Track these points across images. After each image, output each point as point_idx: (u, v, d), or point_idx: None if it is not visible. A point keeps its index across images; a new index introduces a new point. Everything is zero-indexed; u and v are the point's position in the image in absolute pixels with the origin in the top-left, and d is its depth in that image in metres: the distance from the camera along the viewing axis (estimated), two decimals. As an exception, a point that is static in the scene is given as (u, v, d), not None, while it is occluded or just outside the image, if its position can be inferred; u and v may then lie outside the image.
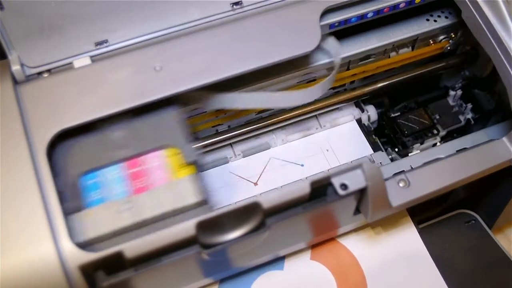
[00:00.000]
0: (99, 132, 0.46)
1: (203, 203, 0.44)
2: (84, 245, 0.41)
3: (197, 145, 0.55)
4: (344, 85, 0.63)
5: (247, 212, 0.42)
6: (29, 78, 0.48)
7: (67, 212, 0.42)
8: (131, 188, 0.44)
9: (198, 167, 0.45)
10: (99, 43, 0.50)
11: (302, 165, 0.57)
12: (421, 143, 0.62)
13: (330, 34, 0.54)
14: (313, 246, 0.53)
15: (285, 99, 0.53)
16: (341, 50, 0.55)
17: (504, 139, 0.50)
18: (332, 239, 0.54)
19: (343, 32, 0.56)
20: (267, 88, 0.57)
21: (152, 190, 0.44)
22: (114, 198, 0.44)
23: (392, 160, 0.60)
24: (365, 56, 0.59)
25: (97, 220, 0.42)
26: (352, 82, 0.63)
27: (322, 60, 0.56)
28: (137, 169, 0.45)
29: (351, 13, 0.54)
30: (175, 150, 0.46)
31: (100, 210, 0.43)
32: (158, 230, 0.40)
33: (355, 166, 0.44)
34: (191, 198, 0.44)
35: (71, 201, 0.43)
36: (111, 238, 0.42)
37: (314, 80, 0.58)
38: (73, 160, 0.45)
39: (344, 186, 0.44)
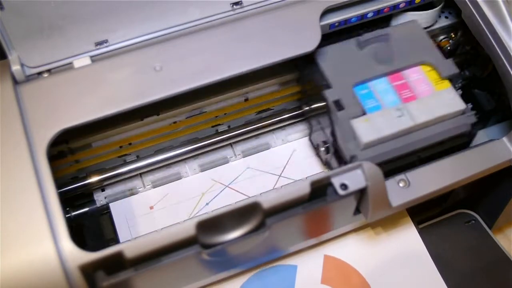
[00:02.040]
0: (358, 49, 0.53)
1: (466, 111, 0.50)
2: (366, 147, 0.48)
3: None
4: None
5: (247, 212, 0.42)
6: (29, 78, 0.48)
7: (350, 117, 0.48)
8: (401, 97, 0.50)
9: (453, 82, 0.51)
10: (99, 43, 0.50)
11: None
12: (421, 143, 0.62)
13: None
14: (324, 269, 0.53)
15: None
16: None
17: (504, 139, 0.50)
18: (343, 262, 0.54)
19: (343, 32, 0.56)
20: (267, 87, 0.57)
21: (421, 99, 0.50)
22: (389, 106, 0.49)
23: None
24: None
25: (378, 125, 0.48)
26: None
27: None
28: (401, 82, 0.51)
29: (351, 13, 0.54)
30: (430, 66, 0.52)
31: (379, 116, 0.49)
32: (430, 135, 0.49)
33: (355, 166, 0.44)
34: (457, 105, 0.49)
35: (352, 107, 0.49)
36: (390, 140, 0.48)
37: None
38: (343, 73, 0.51)
39: (344, 186, 0.44)
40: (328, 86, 0.50)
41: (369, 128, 0.48)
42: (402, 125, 0.48)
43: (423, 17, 0.56)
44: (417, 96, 0.50)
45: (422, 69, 0.52)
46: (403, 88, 0.51)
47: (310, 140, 0.58)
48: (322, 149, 0.54)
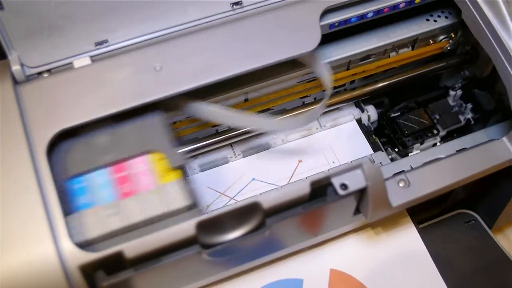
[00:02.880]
0: (85, 136, 0.46)
1: (193, 206, 0.44)
2: (82, 246, 0.41)
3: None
4: (344, 85, 0.63)
5: (247, 212, 0.42)
6: (29, 78, 0.48)
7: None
8: (118, 192, 0.44)
9: (185, 172, 0.46)
10: (99, 43, 0.50)
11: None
12: (421, 143, 0.62)
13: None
14: (331, 283, 0.53)
15: (265, 123, 0.53)
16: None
17: (504, 139, 0.50)
18: (351, 277, 0.54)
19: (343, 32, 0.56)
20: (266, 88, 0.57)
21: (140, 194, 0.44)
22: (102, 203, 0.43)
23: (392, 160, 0.60)
24: (365, 56, 0.59)
25: (86, 224, 0.42)
26: (352, 82, 0.63)
27: (322, 60, 0.56)
28: (123, 174, 0.45)
29: (351, 13, 0.54)
30: (160, 154, 0.46)
31: (89, 215, 0.43)
32: (146, 235, 0.40)
33: (355, 166, 0.44)
34: (179, 202, 0.44)
35: (64, 204, 0.42)
36: (101, 241, 0.42)
37: (315, 79, 0.58)
38: (61, 164, 0.44)
39: (344, 186, 0.44)
40: None
41: (76, 229, 0.42)
42: (113, 225, 0.42)
43: None
44: (138, 190, 0.44)
45: (149, 158, 0.45)
46: (124, 181, 0.44)
47: None
48: None
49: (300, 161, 0.59)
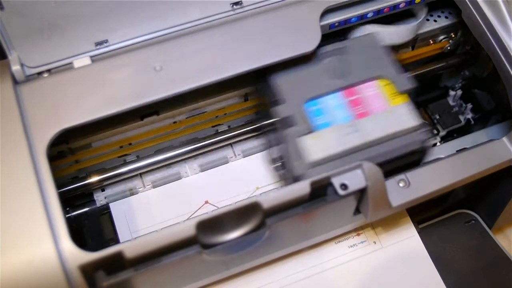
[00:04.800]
0: (316, 62, 0.51)
1: (422, 126, 0.48)
2: (313, 165, 0.46)
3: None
4: (344, 85, 0.63)
5: (247, 212, 0.42)
6: (29, 78, 0.48)
7: (298, 135, 0.47)
8: (353, 113, 0.48)
9: (410, 95, 0.49)
10: (99, 43, 0.49)
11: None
12: (421, 143, 0.62)
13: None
14: None
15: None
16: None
17: (504, 139, 0.50)
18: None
19: (343, 32, 0.56)
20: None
21: (374, 115, 0.48)
22: (339, 122, 0.48)
23: (392, 160, 0.60)
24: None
25: (327, 142, 0.46)
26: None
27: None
28: (355, 97, 0.49)
29: (351, 13, 0.54)
30: (387, 80, 0.50)
31: (328, 133, 0.47)
32: (382, 152, 0.46)
33: (355, 166, 0.44)
34: (410, 122, 0.48)
35: (301, 124, 0.47)
36: (339, 158, 0.46)
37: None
38: (296, 89, 0.49)
39: (344, 186, 0.44)
40: (279, 102, 0.49)
41: (316, 146, 0.46)
42: (351, 142, 0.47)
43: (391, 32, 0.55)
44: (370, 111, 0.48)
45: (378, 83, 0.50)
46: (356, 104, 0.49)
47: (269, 153, 0.56)
48: (278, 164, 0.52)
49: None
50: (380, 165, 0.45)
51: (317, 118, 0.48)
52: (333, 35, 0.54)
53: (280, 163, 0.51)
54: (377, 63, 0.51)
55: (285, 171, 0.50)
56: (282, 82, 0.50)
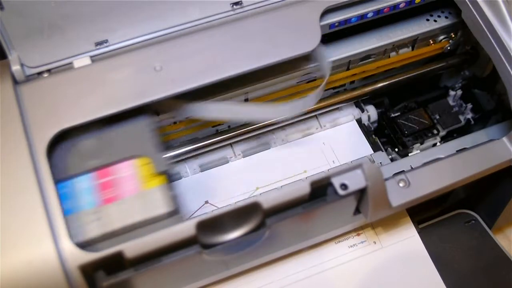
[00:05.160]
0: (74, 140, 0.46)
1: (174, 213, 0.44)
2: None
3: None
4: (344, 85, 0.63)
5: (247, 212, 0.42)
6: (29, 78, 0.48)
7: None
8: (100, 198, 0.43)
9: (169, 177, 0.45)
10: (99, 43, 0.50)
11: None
12: (421, 143, 0.62)
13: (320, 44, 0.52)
14: None
15: (264, 111, 0.53)
16: (329, 64, 0.54)
17: (504, 139, 0.50)
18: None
19: (343, 32, 0.56)
20: (266, 88, 0.57)
21: (121, 200, 0.43)
22: (83, 208, 0.43)
23: (392, 160, 0.60)
24: (365, 56, 0.59)
25: (71, 230, 0.41)
26: (352, 82, 0.63)
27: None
28: (107, 179, 0.44)
29: (351, 13, 0.54)
30: (146, 159, 0.45)
31: (74, 220, 0.42)
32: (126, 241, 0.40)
33: (355, 166, 0.44)
34: (161, 208, 0.43)
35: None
36: (86, 246, 0.42)
37: (314, 80, 0.58)
38: (53, 167, 0.44)
39: (344, 186, 0.44)
40: None
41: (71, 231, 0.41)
42: (94, 231, 0.42)
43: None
44: (119, 196, 0.43)
45: (136, 163, 0.45)
46: (107, 187, 0.44)
47: None
48: None
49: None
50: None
51: (65, 203, 0.42)
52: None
53: None
54: (139, 140, 0.46)
55: None
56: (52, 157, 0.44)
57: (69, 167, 0.44)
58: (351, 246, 0.55)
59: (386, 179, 0.47)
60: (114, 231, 0.42)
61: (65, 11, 0.48)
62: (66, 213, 0.42)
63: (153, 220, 0.43)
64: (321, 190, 0.44)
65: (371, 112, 0.63)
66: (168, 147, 0.57)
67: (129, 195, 0.44)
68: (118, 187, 0.44)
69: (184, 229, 0.41)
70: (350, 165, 0.44)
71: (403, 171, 0.50)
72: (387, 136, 0.63)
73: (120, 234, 0.42)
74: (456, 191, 0.57)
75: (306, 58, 0.55)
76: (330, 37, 0.56)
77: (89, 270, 0.40)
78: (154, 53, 0.48)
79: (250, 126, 0.58)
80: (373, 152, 0.60)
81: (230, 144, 0.59)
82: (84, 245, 0.41)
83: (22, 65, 0.47)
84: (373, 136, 0.62)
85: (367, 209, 0.46)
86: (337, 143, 0.61)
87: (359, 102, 0.63)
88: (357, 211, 0.48)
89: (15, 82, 0.47)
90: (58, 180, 0.43)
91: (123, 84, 0.46)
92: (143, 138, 0.46)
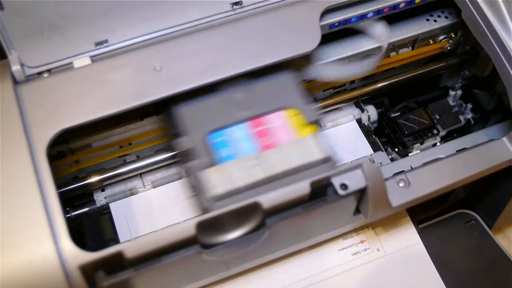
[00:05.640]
0: (221, 93, 0.49)
1: (328, 159, 0.46)
2: (218, 199, 0.44)
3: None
4: (344, 85, 0.63)
5: (247, 212, 0.42)
6: (29, 78, 0.48)
7: (200, 168, 0.44)
8: (259, 145, 0.47)
9: (319, 126, 0.48)
10: (99, 43, 0.50)
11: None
12: (421, 143, 0.62)
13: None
14: None
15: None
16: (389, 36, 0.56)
17: (504, 139, 0.50)
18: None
19: (343, 32, 0.56)
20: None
21: (280, 147, 0.46)
22: (244, 154, 0.46)
23: (392, 160, 0.60)
24: (365, 56, 0.59)
25: (231, 175, 0.44)
26: (352, 82, 0.63)
27: (322, 60, 0.56)
28: (261, 128, 0.47)
29: (351, 13, 0.54)
30: (295, 110, 0.48)
31: (232, 166, 0.45)
32: (286, 185, 0.43)
33: (355, 166, 0.44)
34: (317, 154, 0.46)
35: (203, 157, 0.45)
36: (245, 191, 0.44)
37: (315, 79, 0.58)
38: (200, 120, 0.47)
39: (344, 186, 0.44)
40: (181, 134, 0.47)
41: (220, 179, 0.44)
42: (256, 175, 0.44)
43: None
44: (277, 143, 0.46)
45: (285, 114, 0.48)
46: (262, 135, 0.47)
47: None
48: (193, 194, 0.48)
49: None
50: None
51: (221, 151, 0.46)
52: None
53: (194, 193, 0.48)
54: (285, 93, 0.49)
55: (198, 201, 0.47)
56: (185, 113, 0.47)
57: (220, 118, 0.47)
58: (350, 246, 0.55)
59: (386, 179, 0.47)
60: (277, 175, 0.45)
61: (65, 11, 0.48)
62: (226, 158, 0.45)
63: (310, 166, 0.46)
64: (321, 190, 0.44)
65: (371, 112, 0.63)
66: (168, 147, 0.57)
67: (286, 143, 0.47)
68: (274, 136, 0.47)
69: (184, 229, 0.41)
70: (350, 165, 0.44)
71: (403, 171, 0.50)
72: (387, 136, 0.63)
73: (281, 177, 0.45)
74: (456, 191, 0.57)
75: (306, 58, 0.55)
76: (330, 37, 0.56)
77: (89, 270, 0.40)
78: (154, 53, 0.48)
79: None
80: (373, 152, 0.60)
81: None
82: (244, 190, 0.44)
83: (22, 65, 0.47)
84: (373, 136, 0.62)
85: (367, 209, 0.46)
86: (337, 143, 0.61)
87: (359, 102, 0.64)
88: (357, 211, 0.48)
89: (15, 82, 0.47)
90: (211, 131, 0.47)
91: (123, 84, 0.46)
92: (289, 91, 0.49)
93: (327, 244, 0.55)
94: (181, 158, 0.47)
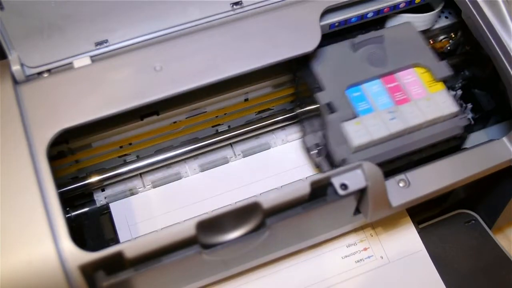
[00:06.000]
0: (353, 51, 0.53)
1: (459, 113, 0.50)
2: (356, 150, 0.48)
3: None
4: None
5: (247, 212, 0.42)
6: (29, 78, 0.48)
7: (342, 120, 0.48)
8: (394, 100, 0.50)
9: (448, 83, 0.52)
10: (99, 43, 0.50)
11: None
12: (421, 143, 0.62)
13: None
14: None
15: None
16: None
17: (504, 139, 0.50)
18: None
19: (343, 32, 0.56)
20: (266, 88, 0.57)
21: (413, 101, 0.50)
22: (381, 108, 0.49)
23: (392, 160, 0.60)
24: (365, 56, 0.59)
25: (370, 127, 0.48)
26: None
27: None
28: (394, 84, 0.51)
29: (351, 13, 0.54)
30: (424, 68, 0.52)
31: (371, 119, 0.49)
32: (423, 138, 0.49)
33: (355, 166, 0.44)
34: (449, 108, 0.49)
35: (344, 110, 0.49)
36: (381, 143, 0.48)
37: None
38: (337, 75, 0.51)
39: (344, 186, 0.44)
40: (320, 89, 0.50)
41: (360, 131, 0.48)
42: (394, 127, 0.48)
43: (420, 20, 0.56)
44: (410, 98, 0.50)
45: (415, 71, 0.52)
46: (396, 91, 0.51)
47: (304, 142, 0.58)
48: (314, 151, 0.54)
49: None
50: (420, 151, 0.49)
51: (359, 104, 0.50)
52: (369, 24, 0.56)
53: (316, 151, 0.53)
54: (414, 51, 0.52)
55: (322, 157, 0.51)
56: (323, 69, 0.51)
57: (356, 74, 0.51)
58: (348, 246, 0.55)
59: (386, 179, 0.47)
60: (413, 127, 0.49)
61: (65, 11, 0.48)
62: (364, 112, 0.49)
63: (443, 119, 0.49)
64: (321, 190, 0.44)
65: (371, 112, 0.63)
66: (168, 147, 0.57)
67: (418, 97, 0.50)
68: (407, 91, 0.50)
69: (184, 229, 0.41)
70: (350, 165, 0.44)
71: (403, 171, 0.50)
72: (387, 136, 0.63)
73: (417, 130, 0.49)
74: (456, 191, 0.57)
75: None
76: (330, 37, 0.56)
77: (89, 270, 0.40)
78: (154, 53, 0.48)
79: (250, 126, 0.58)
80: (373, 152, 0.60)
81: (230, 144, 0.59)
82: (382, 141, 0.48)
83: (22, 65, 0.47)
84: (373, 136, 0.62)
85: (367, 209, 0.46)
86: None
87: (359, 102, 0.63)
88: (357, 211, 0.48)
89: (15, 82, 0.47)
90: (349, 85, 0.50)
91: (123, 84, 0.46)
92: (419, 49, 0.53)
93: (330, 252, 0.55)
94: (319, 112, 0.50)
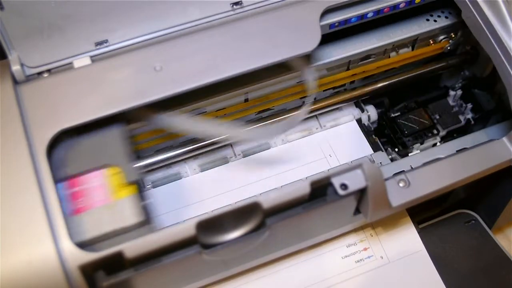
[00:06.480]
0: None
1: (145, 223, 0.43)
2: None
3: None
4: (344, 85, 0.63)
5: (247, 212, 0.42)
6: (29, 78, 0.48)
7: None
8: (73, 207, 0.43)
9: (140, 187, 0.45)
10: (99, 43, 0.50)
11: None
12: (421, 143, 0.62)
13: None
14: None
15: (234, 132, 0.52)
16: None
17: (504, 139, 0.50)
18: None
19: (343, 32, 0.56)
20: (266, 88, 0.57)
21: (92, 210, 0.43)
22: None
23: (392, 160, 0.60)
24: (365, 56, 0.59)
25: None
26: (352, 82, 0.63)
27: (322, 60, 0.56)
28: (77, 189, 0.44)
29: (351, 13, 0.54)
30: (116, 169, 0.45)
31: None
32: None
33: (355, 166, 0.44)
34: (130, 219, 0.43)
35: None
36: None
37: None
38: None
39: (344, 186, 0.44)
40: None
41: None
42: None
43: None
44: (90, 206, 0.43)
45: (105, 173, 0.45)
46: (78, 196, 0.43)
47: None
48: None
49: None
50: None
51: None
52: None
53: None
54: (108, 149, 0.46)
55: None
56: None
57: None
58: (348, 246, 0.55)
59: (386, 179, 0.47)
60: (85, 241, 0.42)
61: (65, 11, 0.48)
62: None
63: (124, 231, 0.43)
64: (321, 190, 0.44)
65: (371, 112, 0.63)
66: (168, 147, 0.57)
67: (99, 205, 0.43)
68: (89, 197, 0.44)
69: (184, 229, 0.41)
70: (350, 165, 0.44)
71: (403, 171, 0.50)
72: (387, 136, 0.63)
73: (92, 244, 0.42)
74: (456, 191, 0.57)
75: (306, 58, 0.55)
76: (330, 37, 0.56)
77: (89, 270, 0.40)
78: (154, 53, 0.48)
79: (250, 127, 0.58)
80: (373, 152, 0.60)
81: (230, 144, 0.59)
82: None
83: (22, 65, 0.47)
84: (373, 136, 0.62)
85: (367, 209, 0.46)
86: (337, 143, 0.61)
87: (359, 102, 0.64)
88: (357, 211, 0.48)
89: (15, 82, 0.47)
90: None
91: (123, 84, 0.46)
92: (114, 147, 0.46)
93: (330, 252, 0.55)
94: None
